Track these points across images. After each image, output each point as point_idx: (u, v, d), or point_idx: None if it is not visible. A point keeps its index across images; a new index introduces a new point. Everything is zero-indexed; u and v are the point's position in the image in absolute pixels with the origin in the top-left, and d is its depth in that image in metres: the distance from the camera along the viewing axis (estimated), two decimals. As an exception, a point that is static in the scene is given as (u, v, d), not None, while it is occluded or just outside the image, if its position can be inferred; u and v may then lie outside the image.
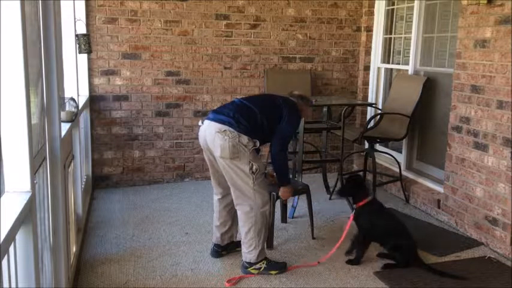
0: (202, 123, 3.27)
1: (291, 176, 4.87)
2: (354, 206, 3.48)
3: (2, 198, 1.82)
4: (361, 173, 5.22)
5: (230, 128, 3.08)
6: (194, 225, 4.10)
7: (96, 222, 4.14)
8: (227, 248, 3.50)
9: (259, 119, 3.19)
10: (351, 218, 3.47)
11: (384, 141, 5.14)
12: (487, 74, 3.75)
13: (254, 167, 3.11)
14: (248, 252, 3.22)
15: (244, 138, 3.09)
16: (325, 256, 3.44)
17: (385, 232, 3.40)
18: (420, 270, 3.32)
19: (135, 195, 4.87)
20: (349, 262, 3.43)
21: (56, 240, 2.40)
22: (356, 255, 3.45)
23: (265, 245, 3.36)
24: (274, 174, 3.48)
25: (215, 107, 5.18)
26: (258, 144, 3.17)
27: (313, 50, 5.53)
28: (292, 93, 3.56)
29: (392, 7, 5.52)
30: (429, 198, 4.47)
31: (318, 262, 3.41)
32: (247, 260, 3.23)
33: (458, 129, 4.08)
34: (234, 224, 3.48)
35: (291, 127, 3.34)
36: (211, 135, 3.12)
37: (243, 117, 3.14)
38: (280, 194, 3.46)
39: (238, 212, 3.24)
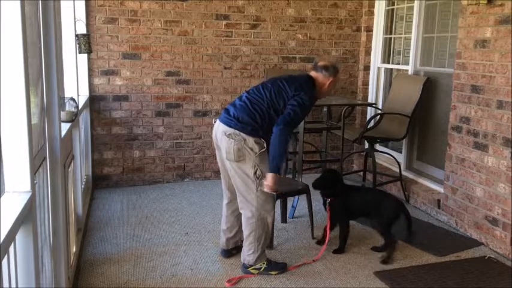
0: (215, 122, 3.25)
1: (290, 176, 4.90)
2: (327, 199, 3.60)
3: (2, 198, 1.82)
4: (361, 173, 5.23)
5: (236, 131, 3.04)
6: (194, 225, 4.10)
7: (96, 222, 4.14)
8: (235, 249, 3.49)
9: (266, 114, 3.07)
10: (328, 212, 3.57)
11: (384, 141, 5.14)
12: (487, 74, 3.75)
13: (258, 172, 3.06)
14: (247, 255, 3.23)
15: (250, 140, 3.04)
16: (319, 254, 3.49)
17: (360, 211, 3.62)
18: (419, 268, 3.32)
19: (135, 195, 4.87)
20: (335, 251, 3.59)
21: (56, 240, 2.40)
22: (339, 245, 3.62)
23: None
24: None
25: (215, 107, 5.26)
26: (265, 145, 3.07)
27: (313, 50, 5.53)
28: (316, 65, 3.23)
29: (392, 7, 5.52)
30: (429, 198, 4.47)
31: (313, 260, 3.44)
32: (246, 262, 3.24)
33: (458, 129, 4.08)
34: (240, 230, 3.39)
35: (294, 114, 3.05)
36: (219, 136, 3.12)
37: (249, 117, 3.06)
38: (265, 182, 3.04)
39: (242, 216, 3.24)
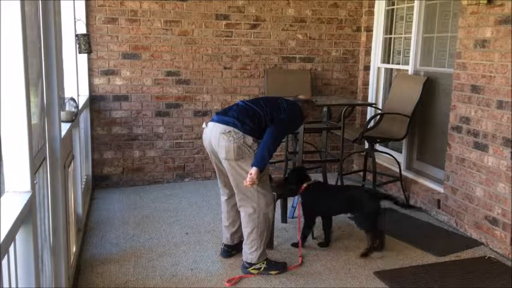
0: (206, 125, 3.26)
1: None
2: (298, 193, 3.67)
3: (2, 198, 1.82)
4: (361, 173, 5.23)
5: (235, 129, 3.08)
6: (194, 225, 4.10)
7: (96, 222, 4.14)
8: (237, 247, 3.49)
9: (263, 120, 3.17)
10: (298, 206, 3.65)
11: (384, 141, 5.14)
12: (487, 74, 3.75)
13: None
14: (250, 253, 3.23)
15: (249, 139, 3.09)
16: (300, 250, 3.54)
17: (335, 205, 3.65)
18: (419, 268, 3.33)
19: (135, 195, 4.87)
20: (320, 245, 3.72)
21: (56, 240, 2.41)
22: (324, 237, 3.73)
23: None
24: (273, 177, 3.53)
25: (215, 107, 5.26)
26: None
27: (313, 50, 5.53)
28: (297, 98, 3.55)
29: (392, 7, 5.52)
30: (429, 198, 4.47)
31: (301, 256, 3.47)
32: (248, 261, 3.24)
33: (458, 129, 4.08)
34: None
35: (289, 120, 3.26)
36: (216, 136, 3.12)
37: (247, 118, 3.13)
38: (249, 174, 3.04)
39: (241, 214, 3.24)
